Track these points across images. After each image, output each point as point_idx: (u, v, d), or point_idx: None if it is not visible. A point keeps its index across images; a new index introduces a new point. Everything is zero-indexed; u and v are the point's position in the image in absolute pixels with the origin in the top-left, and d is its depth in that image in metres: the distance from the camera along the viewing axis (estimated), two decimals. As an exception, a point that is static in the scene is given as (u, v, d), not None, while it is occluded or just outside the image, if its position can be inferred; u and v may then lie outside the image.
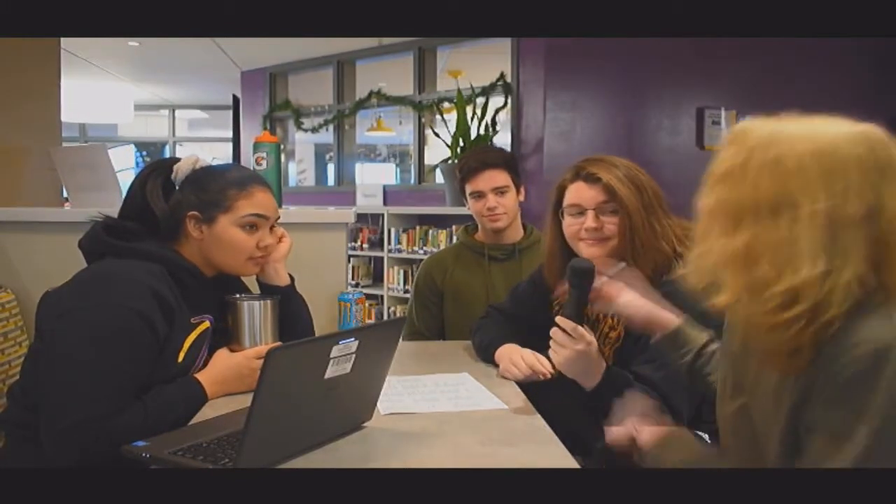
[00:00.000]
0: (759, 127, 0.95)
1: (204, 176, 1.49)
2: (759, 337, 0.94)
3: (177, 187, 1.50)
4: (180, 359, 1.40)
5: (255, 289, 1.64)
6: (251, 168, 2.03)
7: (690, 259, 0.99)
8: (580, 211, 1.59)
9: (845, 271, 0.86)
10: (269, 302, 1.54)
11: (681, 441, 1.17)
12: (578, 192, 1.59)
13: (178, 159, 1.51)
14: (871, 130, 0.91)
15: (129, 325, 1.30)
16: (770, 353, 0.93)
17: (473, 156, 2.23)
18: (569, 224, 1.61)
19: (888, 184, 0.89)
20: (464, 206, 2.31)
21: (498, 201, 2.15)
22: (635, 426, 1.20)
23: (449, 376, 1.62)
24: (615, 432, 1.22)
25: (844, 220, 0.87)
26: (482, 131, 4.91)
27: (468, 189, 2.19)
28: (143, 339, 1.32)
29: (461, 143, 4.88)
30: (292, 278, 1.64)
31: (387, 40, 5.80)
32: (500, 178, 2.15)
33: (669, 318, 1.31)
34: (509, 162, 2.20)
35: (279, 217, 1.56)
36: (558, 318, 1.39)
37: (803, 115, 0.95)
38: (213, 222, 1.45)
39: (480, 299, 2.14)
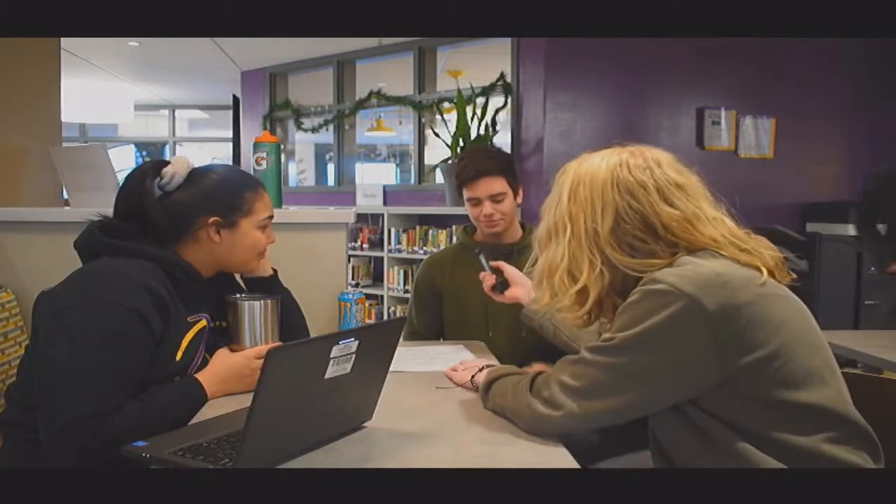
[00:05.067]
0: (569, 167, 1.24)
1: (211, 181, 1.49)
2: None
3: (171, 189, 1.47)
4: (178, 357, 1.40)
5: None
6: (251, 168, 2.03)
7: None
8: None
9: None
10: (269, 302, 1.54)
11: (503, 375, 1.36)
12: None
13: (167, 162, 1.50)
14: (623, 155, 1.18)
15: (124, 322, 1.30)
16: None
17: (470, 162, 2.19)
18: None
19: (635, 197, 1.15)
20: (464, 206, 2.31)
21: (495, 208, 2.14)
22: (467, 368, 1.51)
23: (450, 347, 1.91)
24: (456, 377, 1.51)
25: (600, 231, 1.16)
26: (482, 131, 4.91)
27: (465, 194, 2.18)
28: (139, 337, 1.32)
29: (461, 143, 4.88)
30: (275, 270, 1.67)
31: (387, 40, 5.80)
32: (497, 185, 2.14)
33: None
34: (506, 168, 2.17)
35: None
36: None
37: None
38: (235, 226, 1.49)
39: (479, 299, 2.14)
